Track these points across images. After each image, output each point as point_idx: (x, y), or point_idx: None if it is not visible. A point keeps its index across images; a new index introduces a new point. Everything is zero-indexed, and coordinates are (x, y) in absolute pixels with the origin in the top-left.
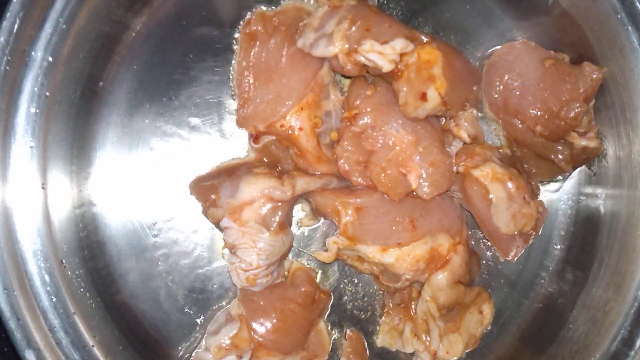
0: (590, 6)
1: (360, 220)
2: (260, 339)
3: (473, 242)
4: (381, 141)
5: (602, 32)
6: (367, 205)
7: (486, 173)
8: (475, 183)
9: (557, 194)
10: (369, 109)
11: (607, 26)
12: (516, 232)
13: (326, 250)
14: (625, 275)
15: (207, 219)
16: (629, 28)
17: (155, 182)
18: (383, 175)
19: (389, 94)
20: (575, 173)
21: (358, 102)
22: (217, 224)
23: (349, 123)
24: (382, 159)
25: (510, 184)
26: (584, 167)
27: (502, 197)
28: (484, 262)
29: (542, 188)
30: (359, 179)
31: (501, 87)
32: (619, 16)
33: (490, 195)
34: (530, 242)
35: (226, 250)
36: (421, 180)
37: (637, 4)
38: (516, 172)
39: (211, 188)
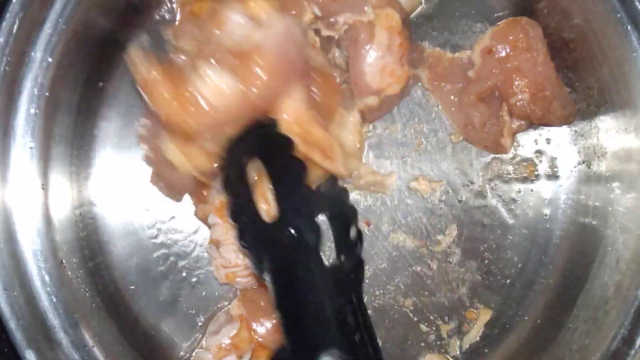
0: (590, 6)
1: None
2: (261, 339)
3: (469, 244)
4: None
5: (602, 32)
6: None
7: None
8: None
9: (557, 193)
10: None
11: (607, 26)
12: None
13: None
14: (625, 274)
15: (196, 215)
16: (629, 28)
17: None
18: None
19: None
20: (576, 172)
21: None
22: (204, 221)
23: None
24: None
25: (397, 38)
26: (584, 166)
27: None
28: (484, 262)
29: (541, 185)
30: None
31: None
32: (619, 16)
33: (374, 39)
34: (390, 111)
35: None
36: None
37: (637, 3)
38: (409, 36)
39: (203, 185)
